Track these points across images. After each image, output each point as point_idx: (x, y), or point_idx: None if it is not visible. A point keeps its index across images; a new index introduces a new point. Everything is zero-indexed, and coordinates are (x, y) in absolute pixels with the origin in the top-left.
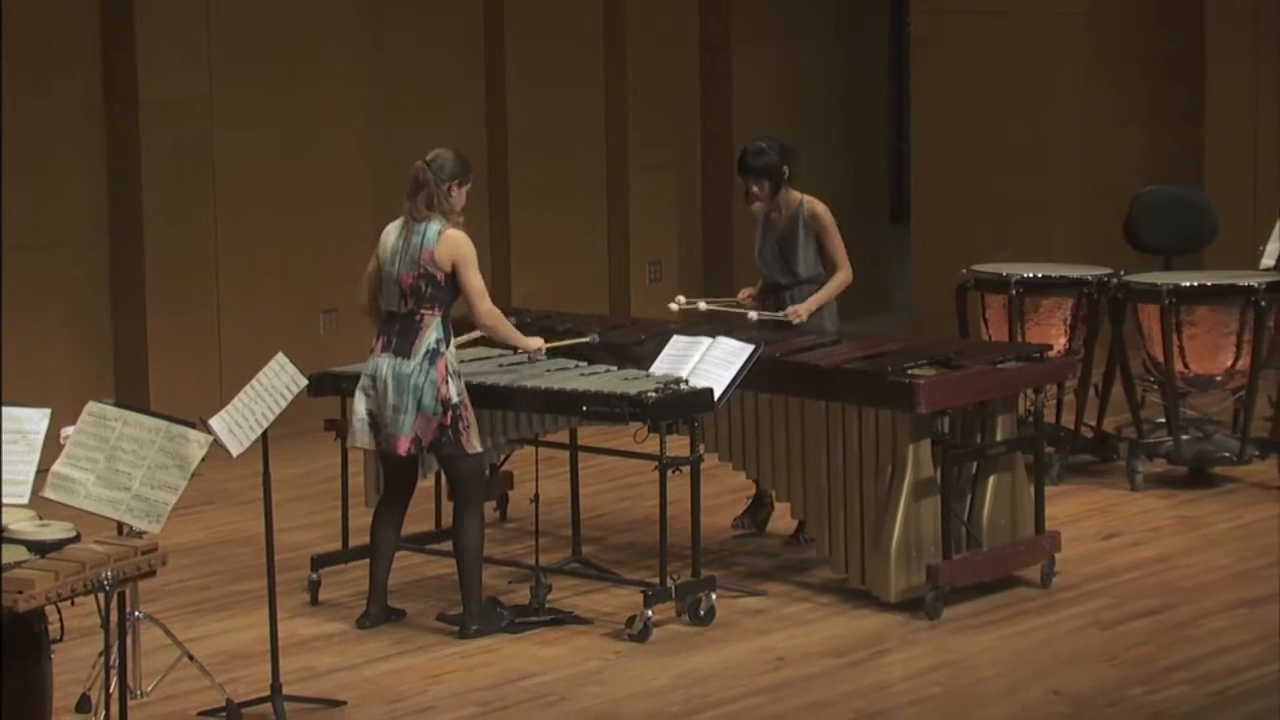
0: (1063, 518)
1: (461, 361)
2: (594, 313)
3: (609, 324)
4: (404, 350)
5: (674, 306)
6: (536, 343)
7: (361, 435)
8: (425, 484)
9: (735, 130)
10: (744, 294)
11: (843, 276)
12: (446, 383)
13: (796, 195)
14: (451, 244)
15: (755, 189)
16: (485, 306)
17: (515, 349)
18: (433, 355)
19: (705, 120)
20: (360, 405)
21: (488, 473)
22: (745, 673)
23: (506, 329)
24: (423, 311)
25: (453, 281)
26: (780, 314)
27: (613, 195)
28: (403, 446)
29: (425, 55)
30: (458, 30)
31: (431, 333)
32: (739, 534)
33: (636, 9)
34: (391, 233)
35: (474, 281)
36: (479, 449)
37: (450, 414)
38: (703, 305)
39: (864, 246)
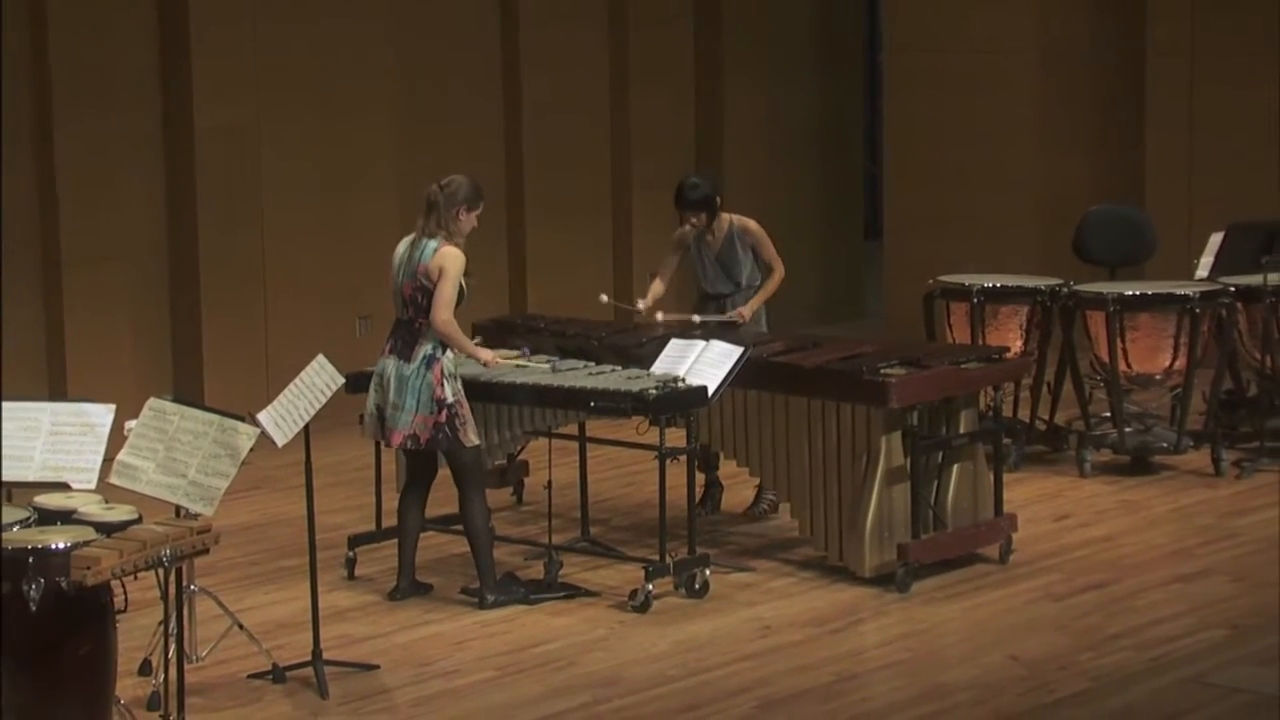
0: (1019, 501)
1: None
2: (599, 319)
3: (613, 329)
4: (405, 354)
5: (604, 298)
6: (488, 354)
7: (369, 428)
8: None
9: (726, 154)
10: (645, 303)
11: (778, 275)
12: (442, 385)
13: (726, 217)
14: (441, 258)
15: (694, 219)
16: (443, 316)
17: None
18: (429, 360)
19: (700, 145)
20: (370, 401)
21: (507, 462)
22: (736, 640)
23: (459, 340)
24: (420, 320)
25: None
26: (726, 316)
27: (617, 213)
28: (396, 439)
29: (449, 86)
30: (478, 64)
31: (428, 339)
32: (714, 516)
33: (639, 45)
34: (400, 247)
35: (445, 291)
36: (476, 442)
37: (446, 412)
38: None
39: (841, 260)
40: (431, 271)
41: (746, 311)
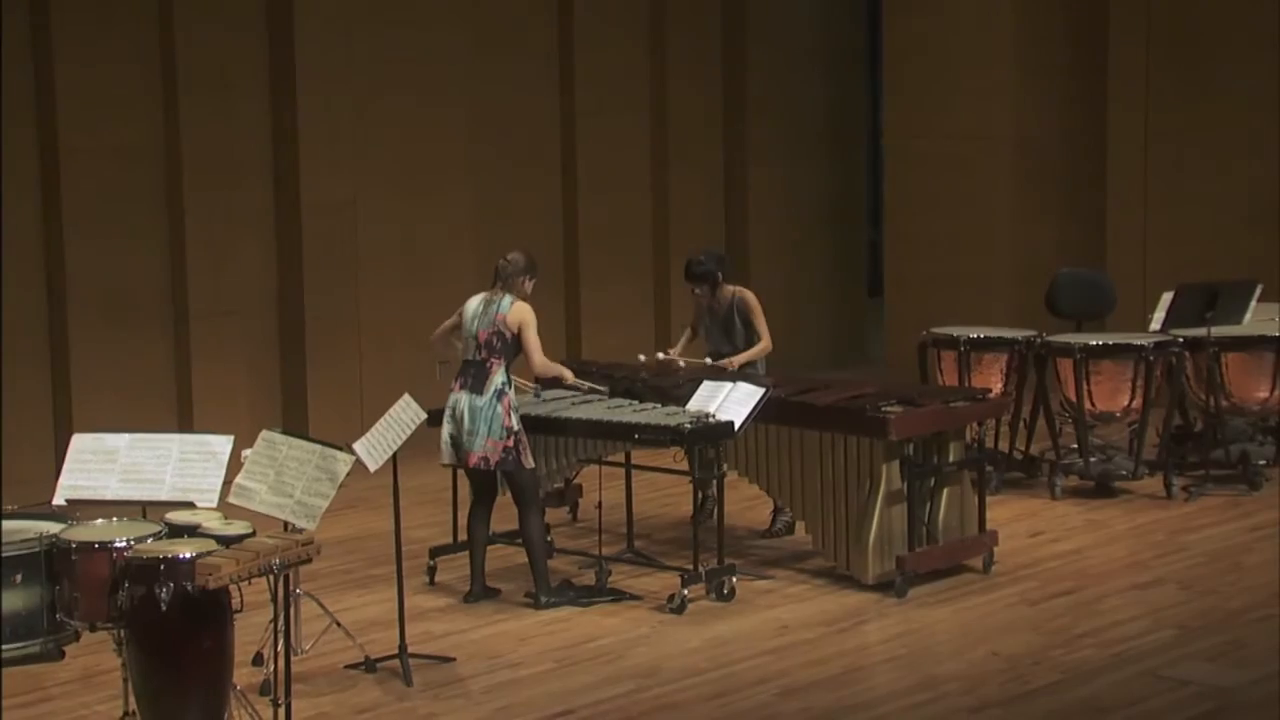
0: (999, 520)
1: (543, 402)
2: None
3: (654, 373)
4: (477, 389)
5: (641, 358)
6: (568, 373)
7: (445, 454)
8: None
9: (750, 225)
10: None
11: (763, 345)
12: (509, 415)
13: (730, 289)
14: (520, 311)
15: (697, 290)
16: (540, 359)
17: (568, 383)
18: (499, 394)
19: (728, 218)
20: (444, 430)
21: (564, 485)
22: (758, 637)
23: (557, 370)
24: (492, 360)
25: (516, 340)
26: (718, 363)
27: (657, 275)
28: (472, 461)
29: (515, 167)
30: (542, 148)
31: (498, 377)
32: (741, 532)
33: (676, 134)
34: (474, 301)
35: (533, 340)
36: (533, 464)
37: (512, 439)
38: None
39: (848, 314)
40: (510, 323)
41: (736, 360)
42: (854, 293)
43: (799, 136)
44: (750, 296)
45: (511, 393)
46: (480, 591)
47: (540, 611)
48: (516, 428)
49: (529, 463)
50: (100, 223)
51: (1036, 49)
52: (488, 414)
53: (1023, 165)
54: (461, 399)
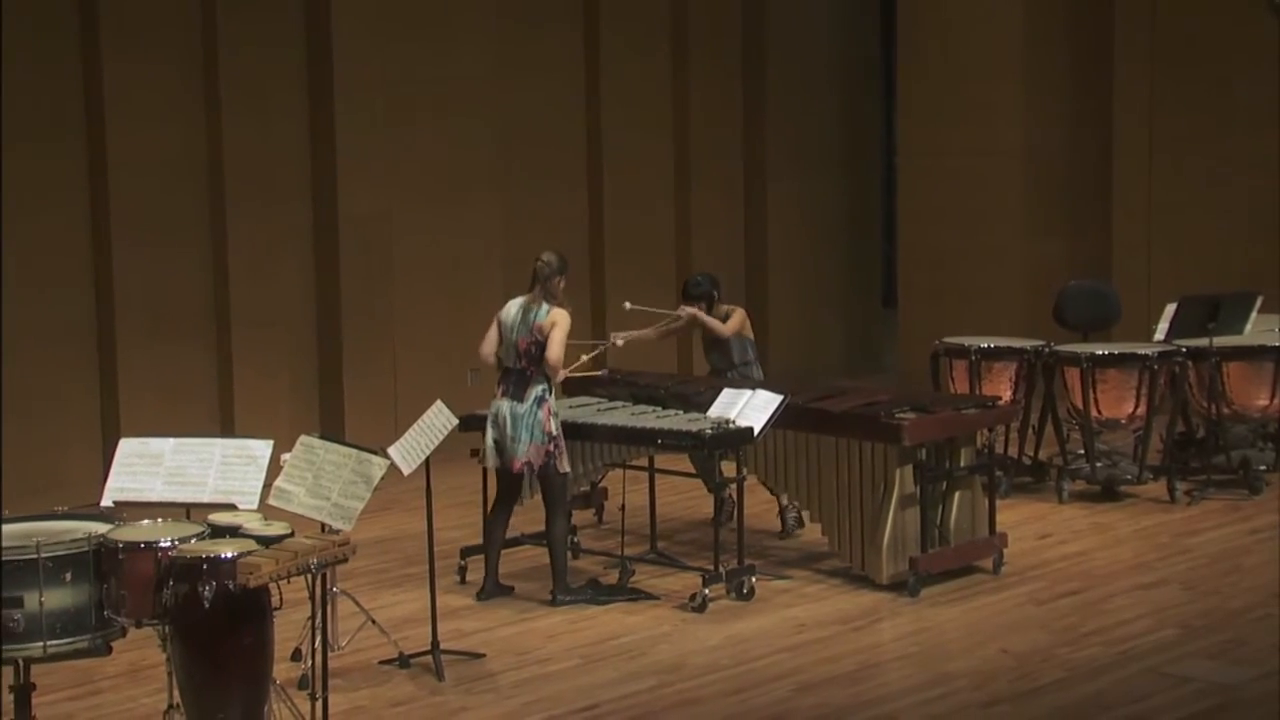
0: (1009, 523)
1: (570, 408)
2: (665, 371)
3: (677, 380)
4: (518, 396)
5: (627, 305)
6: (563, 373)
7: (490, 458)
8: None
9: (769, 238)
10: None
11: (728, 327)
12: (550, 420)
13: (725, 308)
14: (554, 316)
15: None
16: (554, 354)
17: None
18: (540, 400)
19: (747, 231)
20: (488, 436)
21: (590, 488)
22: (776, 635)
23: (563, 374)
24: (532, 369)
25: None
26: (674, 313)
27: (680, 286)
28: (516, 466)
29: (543, 182)
30: (568, 164)
31: (538, 384)
32: (761, 534)
33: (697, 150)
34: (513, 308)
35: (557, 339)
36: (567, 470)
37: (552, 444)
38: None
39: (862, 324)
40: (545, 328)
41: (690, 311)
42: (868, 303)
43: (816, 153)
44: (739, 311)
45: (551, 399)
46: (493, 588)
47: (566, 609)
48: (556, 433)
49: (564, 468)
50: (146, 233)
51: (1043, 65)
52: (528, 421)
53: (1030, 179)
54: (503, 406)
